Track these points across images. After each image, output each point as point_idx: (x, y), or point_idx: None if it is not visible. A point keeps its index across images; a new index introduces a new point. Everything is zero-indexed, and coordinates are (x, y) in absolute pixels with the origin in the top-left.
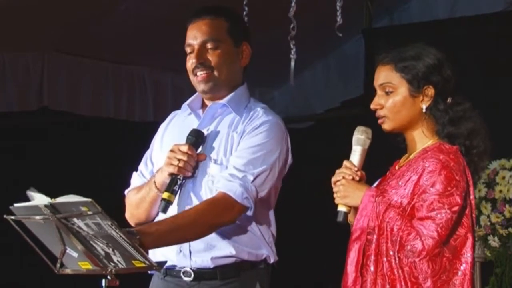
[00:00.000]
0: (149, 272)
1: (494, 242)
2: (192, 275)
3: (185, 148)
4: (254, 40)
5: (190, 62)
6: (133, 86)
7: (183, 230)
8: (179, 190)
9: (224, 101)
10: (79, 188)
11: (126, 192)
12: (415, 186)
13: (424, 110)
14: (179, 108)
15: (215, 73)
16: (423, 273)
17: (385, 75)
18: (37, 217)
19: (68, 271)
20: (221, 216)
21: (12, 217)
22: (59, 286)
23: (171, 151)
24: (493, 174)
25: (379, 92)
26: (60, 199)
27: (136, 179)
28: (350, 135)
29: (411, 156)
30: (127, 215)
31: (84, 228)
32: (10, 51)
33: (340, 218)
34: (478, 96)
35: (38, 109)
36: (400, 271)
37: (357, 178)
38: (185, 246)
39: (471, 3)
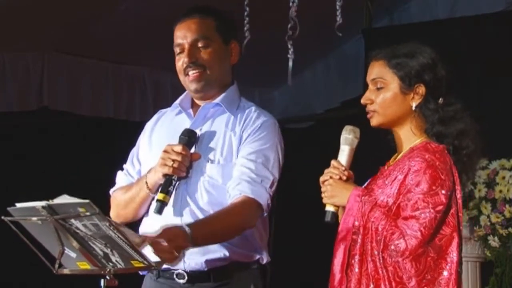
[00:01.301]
0: (140, 273)
1: (494, 242)
2: (186, 277)
3: (179, 148)
4: (254, 40)
5: (181, 61)
6: (133, 86)
7: (218, 236)
8: (174, 191)
9: (217, 100)
10: (79, 188)
11: (111, 191)
12: (401, 186)
13: (413, 108)
14: None
15: (208, 71)
16: (407, 272)
17: (377, 71)
18: (35, 218)
19: (66, 271)
20: (251, 221)
21: (10, 218)
22: (58, 287)
23: (165, 151)
24: (493, 174)
25: (370, 87)
26: (57, 200)
27: (122, 178)
28: None
29: (399, 156)
30: (113, 214)
31: (82, 228)
32: (10, 51)
33: (328, 218)
34: (478, 96)
35: (38, 109)
36: (384, 271)
37: (345, 177)
38: None
39: (471, 3)
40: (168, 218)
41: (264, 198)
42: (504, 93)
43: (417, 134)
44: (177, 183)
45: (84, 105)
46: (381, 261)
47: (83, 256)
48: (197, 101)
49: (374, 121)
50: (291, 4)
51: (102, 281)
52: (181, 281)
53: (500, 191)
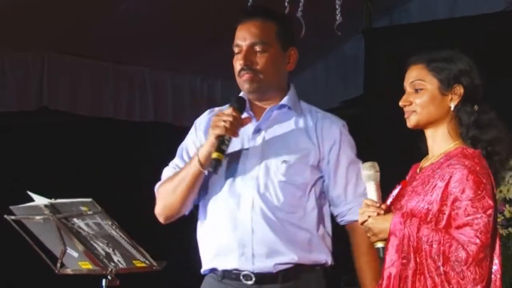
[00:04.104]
0: (202, 272)
1: None
2: (253, 279)
3: (229, 111)
4: None
5: (238, 63)
6: (133, 86)
7: (375, 278)
8: (227, 149)
9: (283, 101)
10: (79, 188)
11: (156, 186)
12: (443, 193)
13: (452, 109)
14: (179, 108)
15: (261, 76)
16: (471, 281)
17: (416, 74)
18: (38, 217)
19: (68, 271)
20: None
21: (12, 217)
22: (60, 286)
23: (216, 116)
24: None
25: (408, 90)
26: (60, 200)
27: (169, 171)
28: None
29: (432, 159)
30: (158, 209)
31: (85, 228)
32: (10, 51)
33: (381, 255)
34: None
35: (38, 109)
36: (447, 285)
37: (382, 212)
38: (247, 250)
39: (471, 3)
40: (239, 217)
41: None
42: (504, 93)
43: (454, 137)
44: (229, 141)
45: (84, 105)
46: (443, 275)
47: (85, 256)
48: (257, 103)
49: (412, 121)
50: (286, 4)
51: (103, 280)
52: (249, 282)
53: (500, 191)
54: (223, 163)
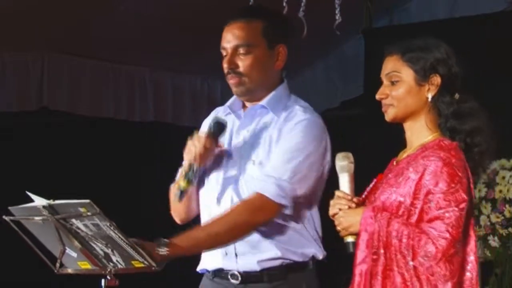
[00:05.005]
0: (199, 271)
1: (494, 242)
2: (239, 278)
3: (201, 139)
4: None
5: (224, 66)
6: (133, 86)
7: (220, 236)
8: (194, 178)
9: (263, 102)
10: (79, 188)
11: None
12: (416, 186)
13: (429, 99)
14: (179, 108)
15: (245, 79)
16: (441, 277)
17: (391, 65)
18: (36, 218)
19: (67, 271)
20: (257, 217)
21: (11, 218)
22: (59, 286)
23: (190, 139)
24: (493, 174)
25: (385, 82)
26: (58, 201)
27: (179, 174)
28: (350, 135)
29: (409, 151)
30: (171, 210)
31: (83, 228)
32: (10, 51)
33: (350, 249)
34: (477, 96)
35: (38, 109)
36: (416, 281)
37: (353, 205)
38: (230, 248)
39: (471, 3)
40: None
41: (272, 192)
42: (504, 93)
43: (432, 128)
44: (197, 170)
45: (84, 105)
46: (412, 271)
47: (84, 256)
48: (247, 103)
49: (390, 114)
50: (285, 4)
51: (102, 281)
52: (235, 281)
53: (500, 191)
54: (214, 167)
